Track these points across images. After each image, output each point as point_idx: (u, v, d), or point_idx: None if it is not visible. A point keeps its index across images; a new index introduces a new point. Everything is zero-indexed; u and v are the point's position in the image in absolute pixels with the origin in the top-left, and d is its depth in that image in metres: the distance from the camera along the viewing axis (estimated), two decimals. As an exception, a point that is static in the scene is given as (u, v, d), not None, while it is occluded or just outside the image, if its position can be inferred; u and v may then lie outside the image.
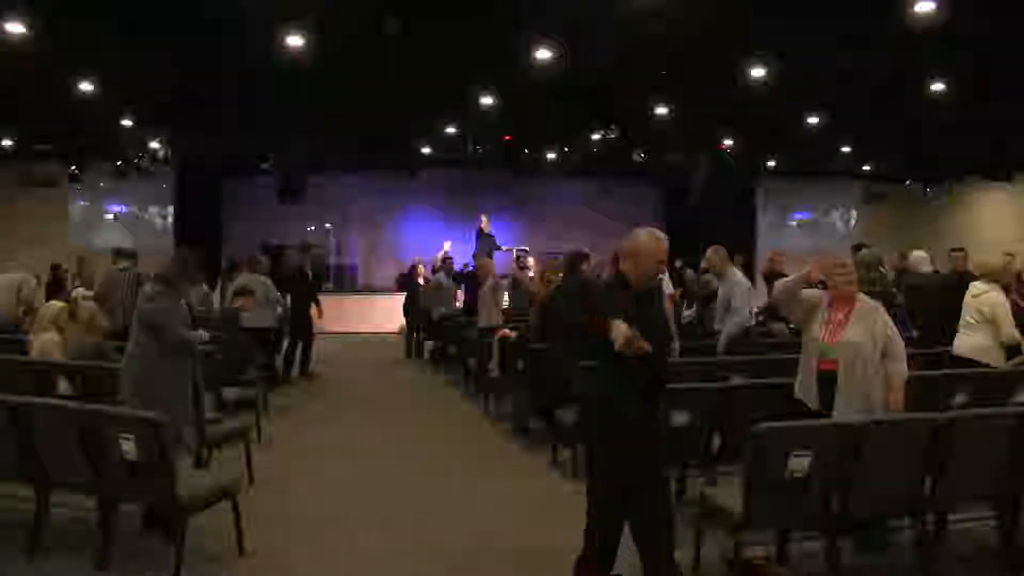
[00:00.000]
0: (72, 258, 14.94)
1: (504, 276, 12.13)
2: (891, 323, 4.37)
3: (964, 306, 6.08)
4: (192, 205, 16.95)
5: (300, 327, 10.24)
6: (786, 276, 4.88)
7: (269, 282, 9.19)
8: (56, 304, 6.19)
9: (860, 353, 4.20)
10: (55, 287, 12.40)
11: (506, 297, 10.97)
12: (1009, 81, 9.59)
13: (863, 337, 4.23)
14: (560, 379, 6.13)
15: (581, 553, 3.71)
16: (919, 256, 7.98)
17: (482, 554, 4.43)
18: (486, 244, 14.94)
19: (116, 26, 8.06)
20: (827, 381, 4.28)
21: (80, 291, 9.21)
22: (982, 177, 16.50)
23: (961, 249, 7.62)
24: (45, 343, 5.81)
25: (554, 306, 6.21)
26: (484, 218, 15.35)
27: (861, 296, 4.42)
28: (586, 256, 7.05)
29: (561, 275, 7.20)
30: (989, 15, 7.56)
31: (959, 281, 6.80)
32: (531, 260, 13.94)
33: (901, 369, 4.29)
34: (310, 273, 10.62)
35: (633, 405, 3.50)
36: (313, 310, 10.42)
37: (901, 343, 4.35)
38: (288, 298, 9.91)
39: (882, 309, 4.40)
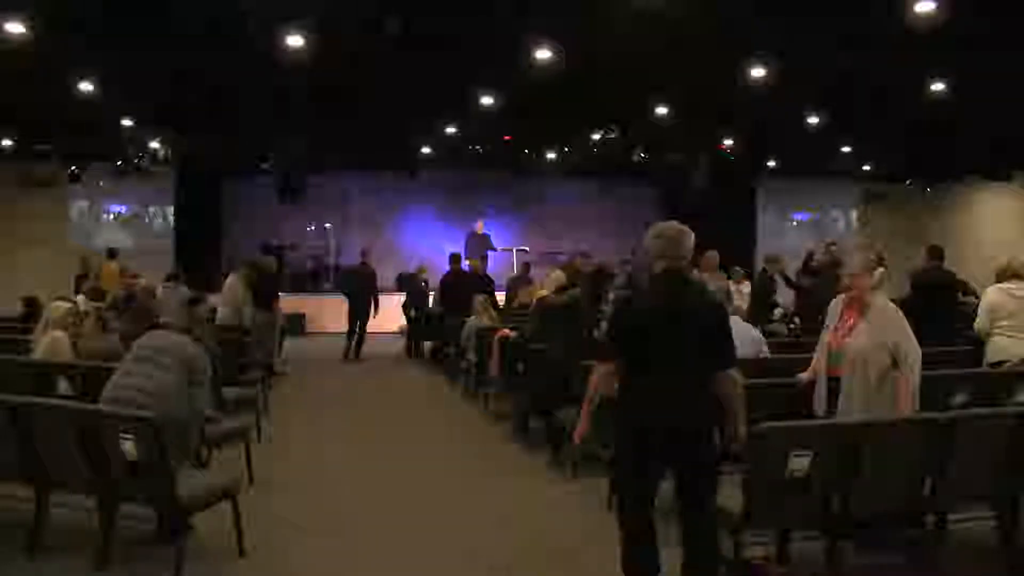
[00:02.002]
0: (73, 259, 15.00)
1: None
2: (906, 328, 4.19)
3: None
4: (192, 205, 16.94)
5: (363, 321, 12.46)
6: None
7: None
8: (63, 305, 6.19)
9: (864, 359, 4.13)
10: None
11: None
12: (1009, 81, 9.58)
13: (868, 342, 4.14)
14: (560, 379, 6.14)
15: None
16: None
17: (482, 554, 4.43)
18: (479, 245, 14.97)
19: (116, 26, 8.05)
20: (834, 387, 4.28)
21: (82, 299, 9.18)
22: (982, 177, 16.50)
23: (929, 247, 7.56)
24: (55, 342, 5.80)
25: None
26: (480, 223, 15.37)
27: (876, 299, 4.29)
28: (610, 274, 7.12)
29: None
30: (989, 15, 7.56)
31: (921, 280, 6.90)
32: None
33: (908, 376, 4.11)
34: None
35: None
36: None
37: (914, 349, 4.16)
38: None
39: (897, 313, 4.24)
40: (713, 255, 8.96)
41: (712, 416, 3.46)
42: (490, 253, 15.19)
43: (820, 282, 9.25)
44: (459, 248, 14.24)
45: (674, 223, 3.64)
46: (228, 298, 9.57)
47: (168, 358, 4.23)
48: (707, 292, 3.67)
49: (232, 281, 9.72)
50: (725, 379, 3.47)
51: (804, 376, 4.63)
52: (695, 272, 3.64)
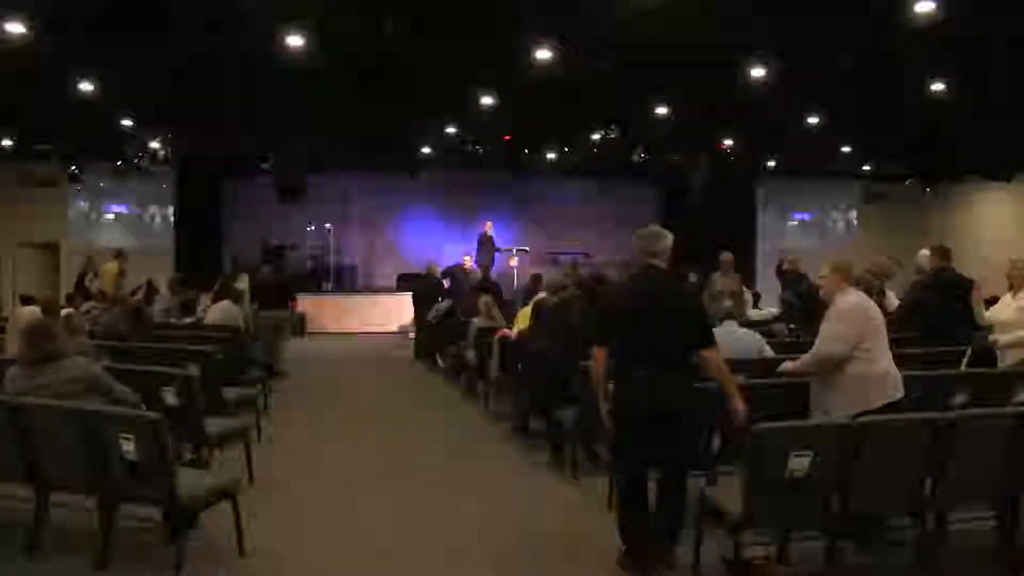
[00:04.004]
0: (74, 259, 15.01)
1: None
2: (841, 319, 4.32)
3: None
4: (192, 205, 16.93)
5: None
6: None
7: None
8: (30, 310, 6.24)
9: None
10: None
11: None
12: (1009, 81, 9.58)
13: (817, 337, 4.43)
14: (560, 379, 6.14)
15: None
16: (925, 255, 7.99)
17: (481, 553, 4.44)
18: (489, 246, 15.08)
19: (116, 26, 8.05)
20: None
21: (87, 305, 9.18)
22: (982, 177, 16.49)
23: (938, 247, 7.59)
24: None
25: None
26: (489, 224, 15.44)
27: (839, 298, 4.43)
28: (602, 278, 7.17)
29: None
30: (989, 15, 7.56)
31: (935, 280, 6.91)
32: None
33: (812, 351, 4.40)
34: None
35: None
36: None
37: (825, 336, 4.34)
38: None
39: (847, 309, 4.36)
40: (728, 256, 9.43)
41: (690, 396, 3.95)
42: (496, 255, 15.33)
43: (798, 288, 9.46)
44: (457, 248, 14.32)
45: (653, 226, 4.20)
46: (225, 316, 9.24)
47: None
48: (681, 282, 4.17)
49: (227, 308, 9.30)
50: (708, 361, 3.99)
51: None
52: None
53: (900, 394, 4.28)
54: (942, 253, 7.16)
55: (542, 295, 7.66)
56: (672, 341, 3.92)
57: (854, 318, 4.33)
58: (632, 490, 4.06)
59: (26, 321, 4.41)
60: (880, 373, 4.28)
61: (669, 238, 4.10)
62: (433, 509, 5.20)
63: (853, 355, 4.25)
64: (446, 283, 13.36)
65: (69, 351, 4.32)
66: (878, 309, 4.52)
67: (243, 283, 11.28)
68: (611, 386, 4.10)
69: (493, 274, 15.01)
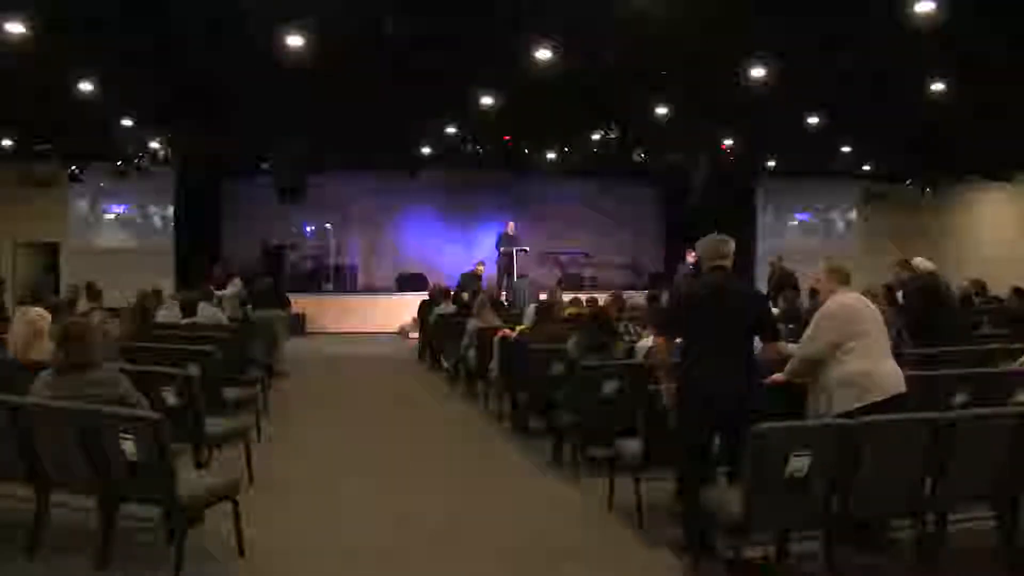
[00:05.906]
0: (75, 259, 15.02)
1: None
2: (819, 321, 4.38)
3: None
4: (192, 205, 16.95)
5: None
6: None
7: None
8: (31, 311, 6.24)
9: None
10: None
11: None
12: (1009, 81, 9.57)
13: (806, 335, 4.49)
14: (560, 379, 6.15)
15: None
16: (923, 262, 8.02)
17: (481, 553, 4.44)
18: (510, 246, 15.08)
19: (116, 26, 8.05)
20: None
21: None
22: (982, 177, 16.49)
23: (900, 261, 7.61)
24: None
25: None
26: (510, 224, 15.43)
27: (831, 297, 4.45)
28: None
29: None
30: (989, 15, 7.56)
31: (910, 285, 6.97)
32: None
33: (803, 349, 4.48)
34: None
35: None
36: None
37: (808, 334, 4.43)
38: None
39: (824, 308, 4.43)
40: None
41: (750, 381, 4.22)
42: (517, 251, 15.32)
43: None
44: (456, 248, 14.28)
45: (719, 234, 4.45)
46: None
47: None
48: (745, 282, 4.54)
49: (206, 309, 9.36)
50: (771, 348, 4.39)
51: None
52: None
53: (884, 395, 4.15)
54: (906, 264, 7.26)
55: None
56: (737, 334, 4.22)
57: (838, 319, 4.30)
58: (695, 465, 4.21)
59: (66, 324, 4.28)
60: (854, 373, 4.18)
61: (732, 243, 4.42)
62: (433, 509, 5.20)
63: (837, 356, 4.21)
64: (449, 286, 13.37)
65: (102, 361, 4.22)
66: (873, 310, 4.43)
67: (234, 289, 11.36)
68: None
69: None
